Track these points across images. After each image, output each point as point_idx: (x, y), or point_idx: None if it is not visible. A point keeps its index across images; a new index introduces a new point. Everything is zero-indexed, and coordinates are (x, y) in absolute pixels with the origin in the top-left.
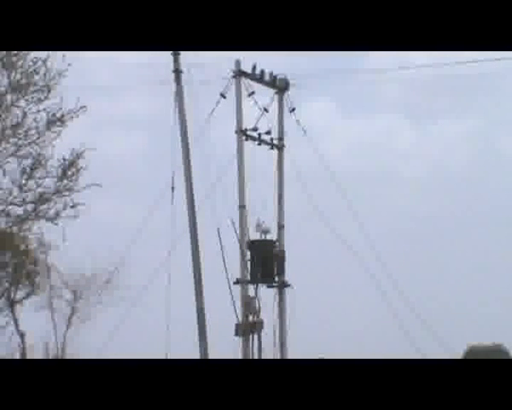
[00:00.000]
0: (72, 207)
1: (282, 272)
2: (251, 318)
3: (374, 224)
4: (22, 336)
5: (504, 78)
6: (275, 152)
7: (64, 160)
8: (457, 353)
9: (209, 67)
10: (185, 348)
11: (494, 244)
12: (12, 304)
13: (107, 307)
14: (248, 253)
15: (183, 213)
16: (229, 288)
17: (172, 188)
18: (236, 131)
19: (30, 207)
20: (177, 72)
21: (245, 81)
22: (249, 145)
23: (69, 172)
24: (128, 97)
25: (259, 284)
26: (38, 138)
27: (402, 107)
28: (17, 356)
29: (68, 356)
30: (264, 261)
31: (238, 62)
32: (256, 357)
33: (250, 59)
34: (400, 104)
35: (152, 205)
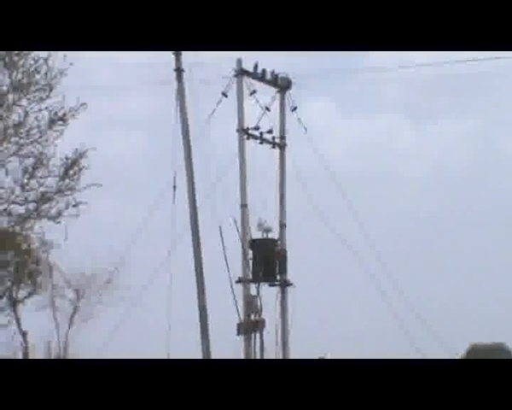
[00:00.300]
0: (74, 206)
1: (283, 270)
2: (253, 317)
3: (374, 224)
4: (24, 335)
5: (504, 77)
6: (276, 151)
7: (67, 159)
8: (458, 352)
9: (209, 67)
10: (186, 348)
11: (494, 244)
12: (14, 303)
13: (109, 307)
14: (250, 252)
15: (183, 212)
16: (231, 287)
17: (174, 187)
18: (238, 130)
19: (32, 206)
20: (179, 70)
21: (246, 80)
22: (250, 144)
23: (71, 172)
24: (128, 97)
25: (261, 283)
26: (40, 137)
27: (402, 107)
28: (19, 355)
29: (70, 356)
30: (266, 260)
31: (240, 61)
32: (258, 356)
33: (249, 58)
34: (400, 104)
35: (152, 205)
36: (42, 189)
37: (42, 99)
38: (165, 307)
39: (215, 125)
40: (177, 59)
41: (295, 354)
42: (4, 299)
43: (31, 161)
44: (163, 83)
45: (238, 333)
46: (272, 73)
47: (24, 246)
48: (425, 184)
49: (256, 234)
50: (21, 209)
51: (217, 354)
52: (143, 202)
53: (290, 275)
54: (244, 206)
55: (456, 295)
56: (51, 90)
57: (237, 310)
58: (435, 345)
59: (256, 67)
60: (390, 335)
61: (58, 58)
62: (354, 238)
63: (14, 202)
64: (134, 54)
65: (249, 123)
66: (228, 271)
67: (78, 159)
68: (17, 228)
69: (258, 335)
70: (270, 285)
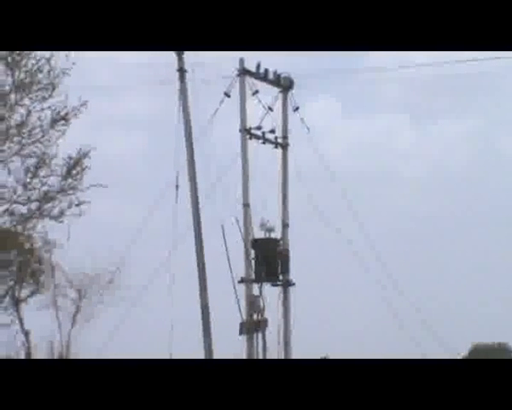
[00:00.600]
0: (77, 205)
1: (286, 270)
2: (255, 316)
3: (374, 224)
4: (27, 334)
5: (504, 77)
6: (278, 151)
7: (69, 158)
8: (459, 352)
9: (211, 67)
10: (188, 348)
11: (494, 244)
12: (16, 303)
13: (111, 307)
14: (252, 251)
15: (184, 212)
16: (234, 287)
17: (177, 186)
18: (240, 130)
19: (34, 205)
20: (182, 71)
21: (248, 80)
22: (252, 144)
23: (74, 171)
24: (128, 97)
25: (263, 283)
26: (43, 137)
27: (402, 107)
28: (22, 355)
29: (73, 355)
30: (268, 260)
31: (242, 61)
32: (260, 356)
33: (251, 59)
34: (400, 104)
35: (153, 205)
36: (44, 188)
37: (44, 98)
38: (167, 306)
39: (217, 124)
40: (180, 59)
41: (297, 353)
42: (7, 298)
43: (33, 160)
44: (163, 83)
45: (240, 333)
46: (275, 72)
47: (26, 245)
48: (425, 184)
49: (258, 234)
50: (24, 209)
51: (219, 353)
52: (144, 201)
53: (292, 275)
54: (246, 205)
55: (456, 295)
56: (54, 89)
57: (240, 310)
58: (436, 345)
59: (258, 66)
60: (391, 335)
61: (60, 58)
62: (354, 238)
63: (16, 202)
64: (134, 54)
65: (251, 123)
66: (231, 270)
67: (82, 158)
68: (19, 228)
69: (260, 334)
70: (273, 285)
